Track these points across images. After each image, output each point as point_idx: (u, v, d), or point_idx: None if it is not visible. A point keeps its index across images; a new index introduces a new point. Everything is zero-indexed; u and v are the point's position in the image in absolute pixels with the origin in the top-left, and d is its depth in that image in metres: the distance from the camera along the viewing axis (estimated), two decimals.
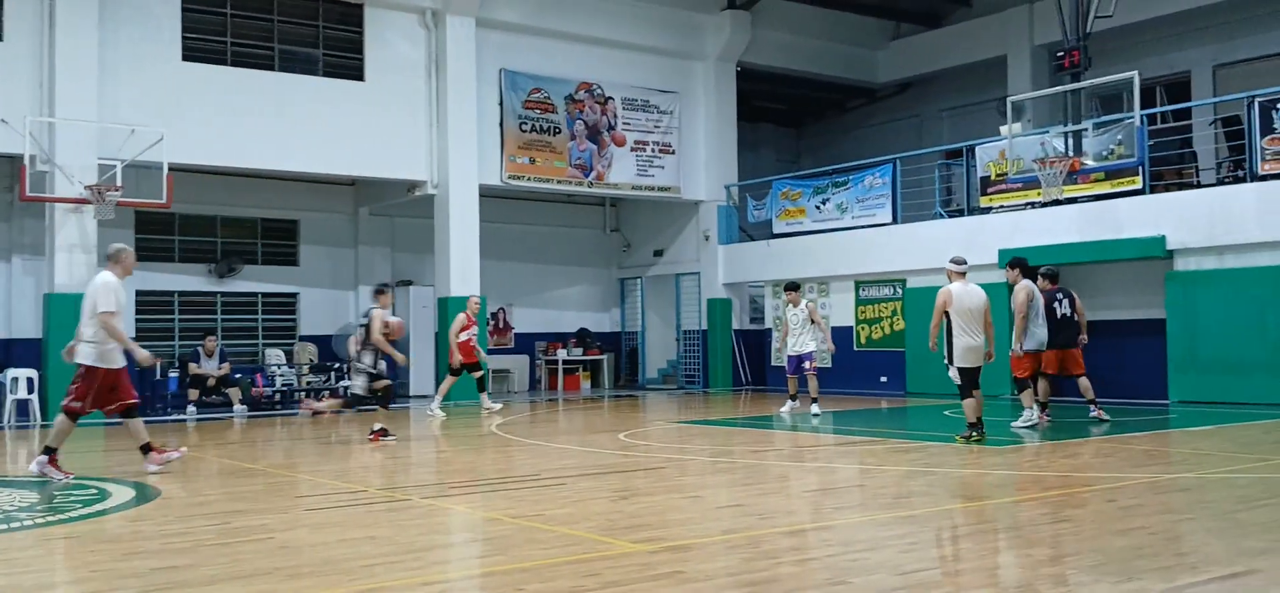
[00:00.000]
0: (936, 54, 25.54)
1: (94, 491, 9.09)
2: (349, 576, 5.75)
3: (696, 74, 24.06)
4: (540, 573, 5.76)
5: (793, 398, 15.96)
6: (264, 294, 21.86)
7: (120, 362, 9.86)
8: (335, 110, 19.50)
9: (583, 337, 25.06)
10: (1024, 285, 13.39)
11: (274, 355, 20.83)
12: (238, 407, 18.41)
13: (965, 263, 11.92)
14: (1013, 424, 13.01)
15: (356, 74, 19.96)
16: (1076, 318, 13.81)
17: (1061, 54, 18.17)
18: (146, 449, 10.07)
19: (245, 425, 16.22)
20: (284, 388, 19.91)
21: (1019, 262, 13.84)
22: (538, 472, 10.35)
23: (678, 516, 7.62)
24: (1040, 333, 13.34)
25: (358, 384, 12.94)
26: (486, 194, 21.19)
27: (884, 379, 20.83)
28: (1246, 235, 16.07)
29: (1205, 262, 16.60)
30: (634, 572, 5.70)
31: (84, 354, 9.75)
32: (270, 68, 19.28)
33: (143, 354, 9.97)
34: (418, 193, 20.70)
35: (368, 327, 12.82)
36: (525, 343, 24.75)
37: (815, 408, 15.59)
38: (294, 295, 22.20)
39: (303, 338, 21.89)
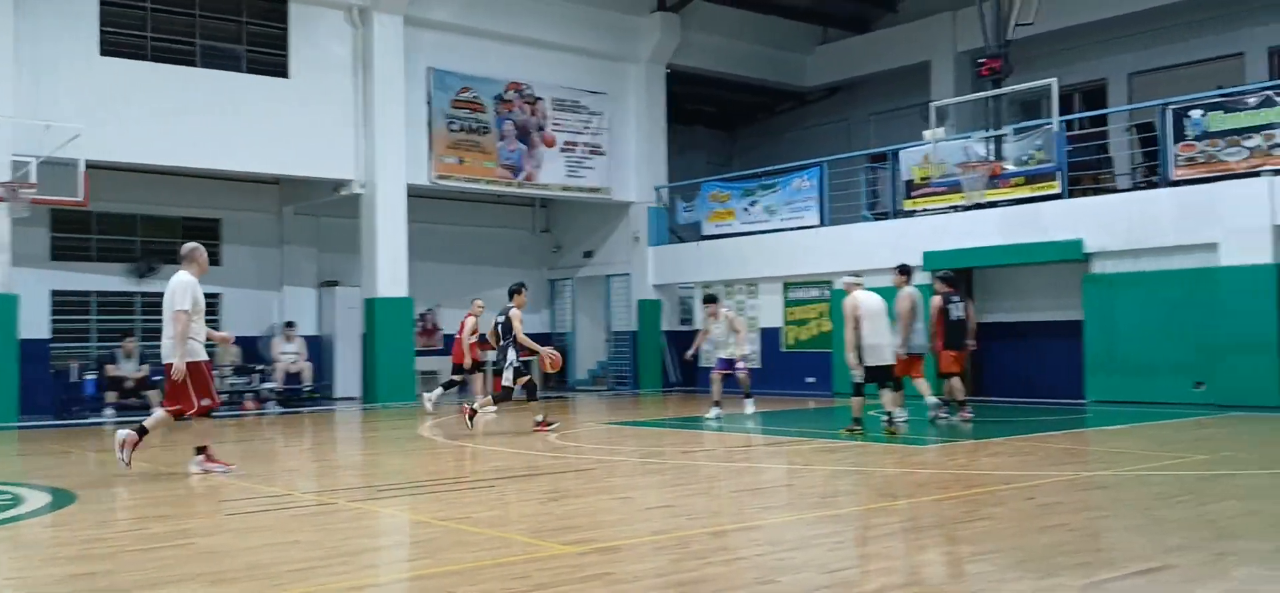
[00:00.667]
0: (863, 59, 25.90)
1: (8, 496, 8.85)
2: (275, 581, 5.66)
3: (627, 76, 24.09)
4: (469, 576, 5.73)
5: (717, 403, 15.91)
6: None
7: (202, 355, 9.98)
8: (259, 108, 19.18)
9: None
10: (908, 292, 13.94)
11: None
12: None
13: (861, 274, 13.35)
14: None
15: (281, 71, 19.65)
16: (967, 321, 14.33)
17: (983, 61, 18.51)
18: (131, 444, 10.13)
19: None
20: None
21: (906, 268, 14.38)
22: (466, 474, 10.29)
23: (607, 517, 7.63)
24: (918, 338, 13.95)
25: (507, 378, 13.77)
26: (415, 194, 20.99)
27: (811, 380, 21.05)
28: (1161, 239, 16.52)
29: (1121, 264, 17.04)
30: (564, 574, 5.70)
31: (166, 352, 9.92)
32: (192, 63, 18.90)
33: (178, 365, 9.82)
34: (344, 192, 20.44)
35: (506, 325, 13.79)
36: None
37: (750, 405, 15.92)
38: (216, 296, 21.78)
39: None
